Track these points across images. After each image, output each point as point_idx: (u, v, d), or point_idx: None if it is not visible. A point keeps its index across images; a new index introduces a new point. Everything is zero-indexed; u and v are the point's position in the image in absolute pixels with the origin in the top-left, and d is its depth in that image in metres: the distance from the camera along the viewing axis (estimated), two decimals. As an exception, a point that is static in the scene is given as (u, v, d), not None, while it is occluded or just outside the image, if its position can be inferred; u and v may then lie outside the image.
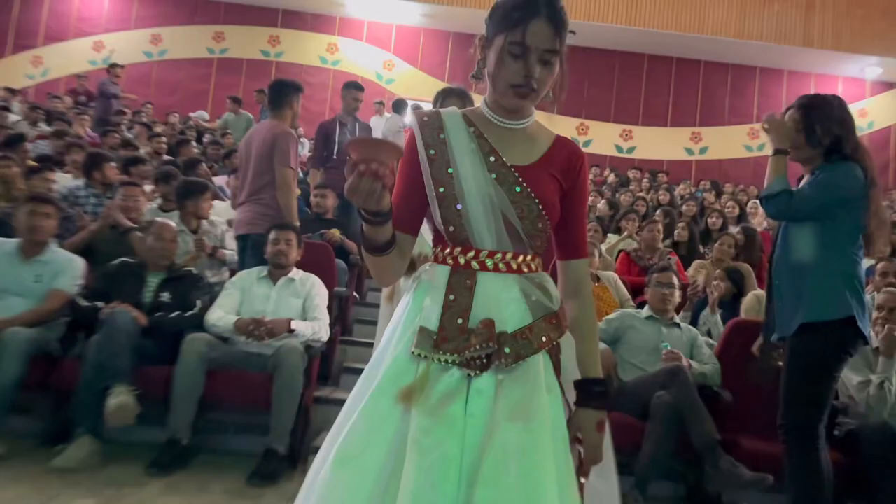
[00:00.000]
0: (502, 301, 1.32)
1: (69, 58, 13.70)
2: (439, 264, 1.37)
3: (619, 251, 5.63)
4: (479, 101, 1.54)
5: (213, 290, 3.80)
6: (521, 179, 1.35)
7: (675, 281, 3.63)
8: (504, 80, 1.32)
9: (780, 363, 2.67)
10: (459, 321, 1.29)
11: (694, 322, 4.31)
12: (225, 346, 3.30)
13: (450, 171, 1.34)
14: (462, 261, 1.34)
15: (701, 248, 6.28)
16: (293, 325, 3.34)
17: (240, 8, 14.04)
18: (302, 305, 3.51)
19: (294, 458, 3.26)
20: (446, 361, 1.26)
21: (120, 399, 2.91)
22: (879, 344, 3.31)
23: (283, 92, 4.07)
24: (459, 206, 1.32)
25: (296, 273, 3.63)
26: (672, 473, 3.37)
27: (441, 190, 1.33)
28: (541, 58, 1.30)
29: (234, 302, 3.47)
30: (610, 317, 3.63)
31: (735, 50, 13.40)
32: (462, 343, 1.27)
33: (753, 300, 4.36)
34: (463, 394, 1.25)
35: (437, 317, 1.30)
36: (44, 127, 9.19)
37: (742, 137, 14.16)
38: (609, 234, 6.31)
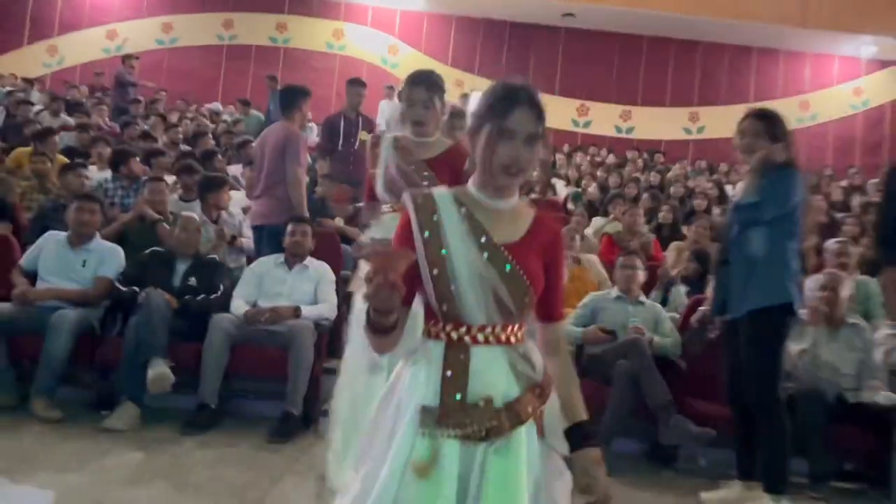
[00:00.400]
0: (494, 374, 1.42)
1: (84, 46, 14.16)
2: (432, 339, 1.45)
3: (604, 234, 6.08)
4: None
5: (233, 274, 4.31)
6: (510, 257, 1.45)
7: (639, 264, 4.10)
8: (495, 162, 1.44)
9: (712, 336, 3.15)
10: (458, 396, 1.40)
11: (665, 298, 4.78)
12: (246, 325, 3.80)
13: (443, 252, 1.43)
14: (455, 336, 1.43)
15: (684, 230, 6.72)
16: (303, 311, 3.84)
17: (248, -5, 14.44)
18: (314, 289, 4.01)
19: (307, 419, 3.77)
20: (448, 436, 1.38)
21: (158, 371, 3.43)
22: (811, 317, 3.78)
23: (292, 97, 4.52)
24: (453, 287, 1.41)
25: (310, 262, 4.12)
26: (634, 431, 3.86)
27: (435, 272, 1.42)
28: (526, 141, 1.44)
29: (253, 287, 3.97)
30: (583, 301, 4.12)
31: (733, 31, 13.66)
32: (463, 418, 1.38)
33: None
34: (455, 458, 1.38)
35: (436, 394, 1.40)
36: (64, 117, 9.66)
37: (738, 116, 14.39)
38: (596, 218, 6.76)
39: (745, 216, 3.06)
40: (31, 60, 13.88)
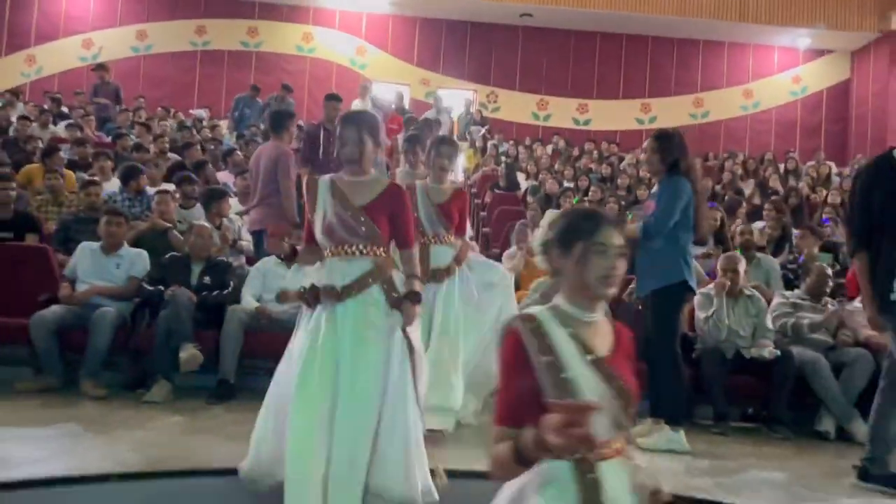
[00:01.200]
0: (621, 488, 1.51)
1: (61, 56, 14.63)
2: (556, 461, 1.45)
3: (556, 225, 6.95)
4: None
5: (237, 272, 5.09)
6: (613, 373, 1.55)
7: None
8: (592, 275, 1.56)
9: (640, 307, 4.03)
10: None
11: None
12: (257, 314, 4.60)
13: (562, 376, 1.50)
14: (580, 455, 1.46)
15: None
16: None
17: (219, 1, 14.99)
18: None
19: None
20: None
21: (189, 352, 4.22)
22: (715, 290, 4.69)
23: (281, 120, 5.31)
24: None
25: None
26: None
27: (559, 394, 1.47)
28: (619, 254, 1.57)
29: (258, 284, 4.77)
30: (532, 286, 4.97)
31: (679, 26, 14.64)
32: None
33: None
34: None
35: None
36: (53, 128, 10.25)
37: (687, 107, 15.48)
38: (549, 210, 7.62)
39: (643, 215, 3.96)
40: (10, 70, 14.34)
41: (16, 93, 12.34)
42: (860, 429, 4.36)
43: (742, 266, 4.78)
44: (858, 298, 4.84)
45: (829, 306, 4.81)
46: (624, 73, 15.46)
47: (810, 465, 3.88)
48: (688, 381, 4.20)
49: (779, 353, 4.50)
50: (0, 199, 5.40)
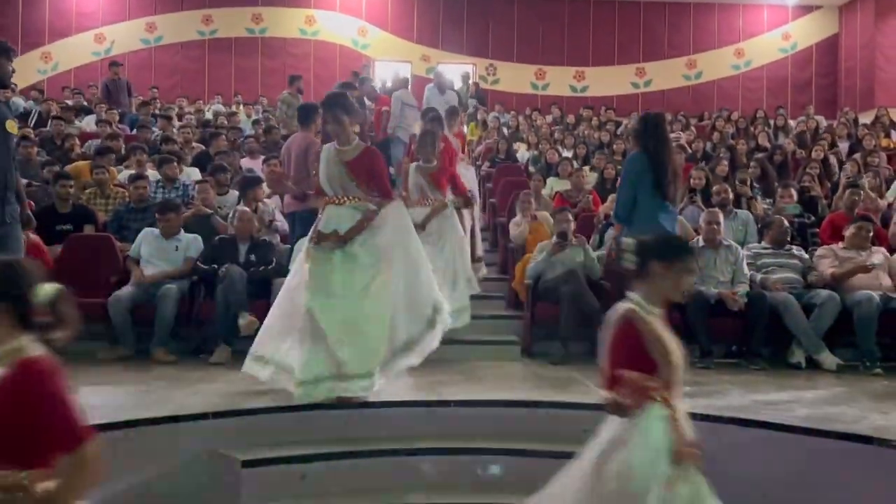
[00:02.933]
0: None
1: (75, 51, 15.25)
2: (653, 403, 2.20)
3: (556, 192, 7.59)
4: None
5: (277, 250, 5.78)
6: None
7: (570, 217, 5.66)
8: (681, 287, 2.33)
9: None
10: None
11: (601, 238, 6.31)
12: (301, 284, 5.30)
13: (668, 350, 2.26)
14: (668, 397, 2.22)
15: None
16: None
17: (223, -10, 15.52)
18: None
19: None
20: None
21: (247, 320, 4.92)
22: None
23: (308, 113, 5.92)
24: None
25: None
26: (581, 336, 5.41)
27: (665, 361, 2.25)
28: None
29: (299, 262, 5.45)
30: (536, 250, 5.64)
31: (669, -11, 15.10)
32: None
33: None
34: None
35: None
36: (78, 124, 10.88)
37: (680, 68, 15.98)
38: (550, 178, 8.27)
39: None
40: (28, 68, 14.92)
41: (42, 91, 12.95)
42: (827, 358, 5.07)
43: (721, 219, 5.44)
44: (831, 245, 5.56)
45: (794, 251, 5.51)
46: (618, 39, 15.95)
47: (779, 389, 4.56)
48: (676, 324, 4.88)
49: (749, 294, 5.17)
50: (61, 195, 6.08)
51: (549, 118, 13.50)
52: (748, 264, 5.46)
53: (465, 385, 4.51)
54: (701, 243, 5.42)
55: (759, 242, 5.83)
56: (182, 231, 5.58)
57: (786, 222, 5.69)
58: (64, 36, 15.21)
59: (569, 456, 3.35)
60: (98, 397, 4.01)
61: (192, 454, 3.53)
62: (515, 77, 15.83)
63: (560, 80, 15.90)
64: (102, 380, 4.47)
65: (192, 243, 5.51)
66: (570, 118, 13.34)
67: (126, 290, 5.16)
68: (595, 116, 13.27)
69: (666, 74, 15.88)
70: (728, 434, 3.60)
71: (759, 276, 5.42)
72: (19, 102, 11.67)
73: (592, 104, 14.48)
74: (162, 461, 3.46)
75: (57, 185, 6.15)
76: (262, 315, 5.15)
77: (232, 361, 5.03)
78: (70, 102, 11.97)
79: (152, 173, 7.34)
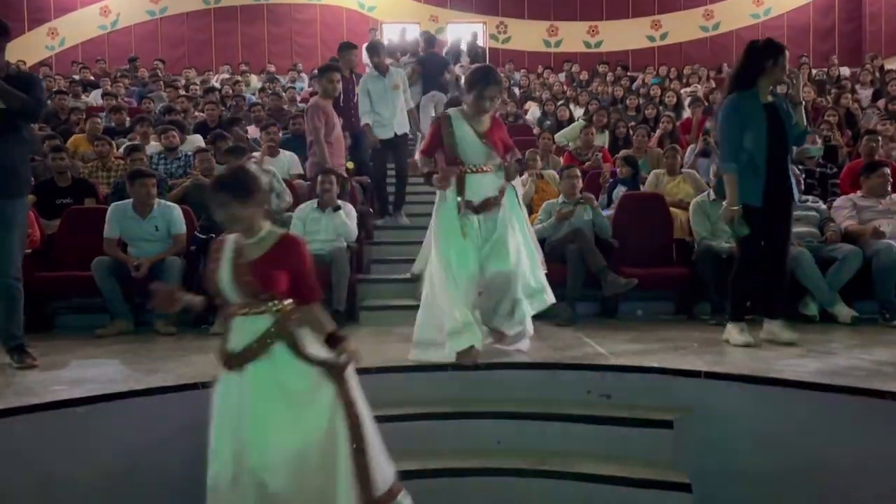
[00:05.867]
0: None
1: (81, 25, 15.13)
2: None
3: (566, 150, 7.39)
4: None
5: (278, 219, 5.67)
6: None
7: (578, 173, 5.46)
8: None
9: None
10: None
11: (610, 196, 6.13)
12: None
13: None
14: None
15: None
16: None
17: (228, -43, 15.25)
18: (344, 223, 5.38)
19: (350, 314, 5.22)
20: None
21: (245, 288, 4.84)
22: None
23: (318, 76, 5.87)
24: None
25: (342, 204, 5.48)
26: (588, 296, 5.28)
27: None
28: None
29: (301, 228, 5.34)
30: (542, 207, 5.49)
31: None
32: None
33: (652, 178, 6.19)
34: None
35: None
36: (85, 98, 10.84)
37: (697, 19, 15.47)
38: (557, 134, 8.05)
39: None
40: (35, 45, 14.89)
41: (50, 67, 12.94)
42: (842, 311, 4.89)
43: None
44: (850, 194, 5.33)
45: (811, 202, 5.28)
46: (632, -9, 15.47)
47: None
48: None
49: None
50: (58, 168, 6.01)
51: (561, 76, 13.17)
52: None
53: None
54: (713, 197, 5.21)
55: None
56: (156, 205, 5.35)
57: (800, 172, 5.42)
58: (69, 11, 15.09)
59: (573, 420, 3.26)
60: (95, 370, 3.99)
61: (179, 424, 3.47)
62: (527, 34, 15.44)
63: (573, 36, 15.48)
64: (90, 353, 4.46)
65: (172, 217, 5.33)
66: (584, 75, 13.01)
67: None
68: (611, 72, 12.93)
69: (682, 26, 15.39)
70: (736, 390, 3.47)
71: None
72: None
73: (607, 59, 14.09)
74: (150, 432, 3.42)
75: (51, 158, 6.08)
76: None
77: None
78: (77, 77, 11.90)
79: (157, 145, 7.28)
